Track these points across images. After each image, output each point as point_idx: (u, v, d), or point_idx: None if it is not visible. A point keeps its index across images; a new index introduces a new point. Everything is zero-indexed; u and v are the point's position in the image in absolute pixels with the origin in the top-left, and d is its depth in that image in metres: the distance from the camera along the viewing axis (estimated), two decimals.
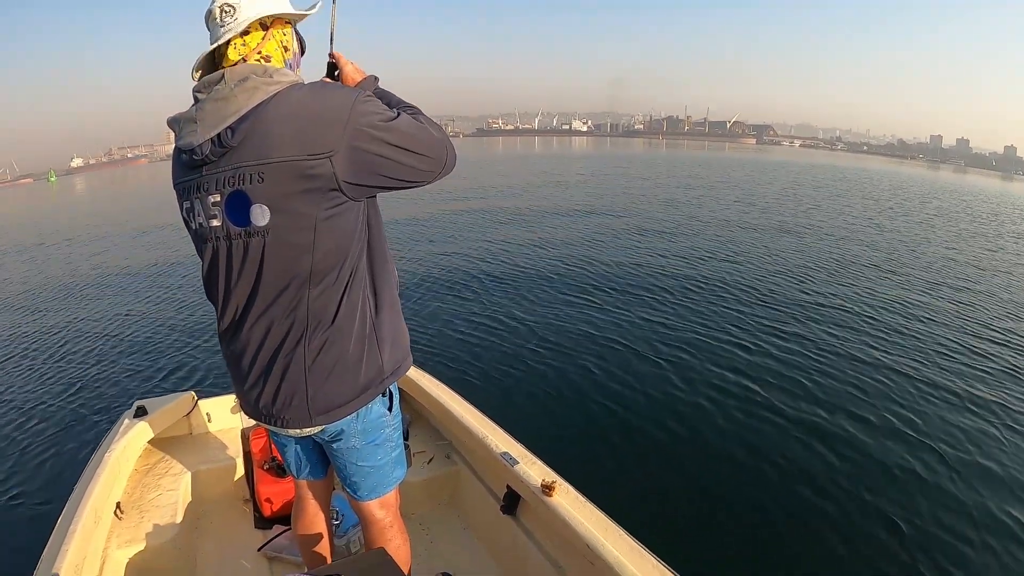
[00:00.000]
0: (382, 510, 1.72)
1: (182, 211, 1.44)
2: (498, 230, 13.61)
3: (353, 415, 1.50)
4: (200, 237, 1.40)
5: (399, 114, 1.36)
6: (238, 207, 1.30)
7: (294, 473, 1.79)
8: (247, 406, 1.54)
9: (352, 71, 1.59)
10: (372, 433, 1.58)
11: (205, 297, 1.54)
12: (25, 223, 26.91)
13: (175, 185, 1.44)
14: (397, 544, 1.75)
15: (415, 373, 2.91)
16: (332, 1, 1.56)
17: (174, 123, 1.36)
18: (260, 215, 1.29)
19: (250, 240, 1.32)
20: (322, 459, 1.76)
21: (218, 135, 1.27)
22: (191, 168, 1.35)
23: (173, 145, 1.41)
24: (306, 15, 1.46)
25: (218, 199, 1.32)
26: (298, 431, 1.51)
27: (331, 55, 1.61)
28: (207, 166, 1.32)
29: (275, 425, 1.51)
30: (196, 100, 1.33)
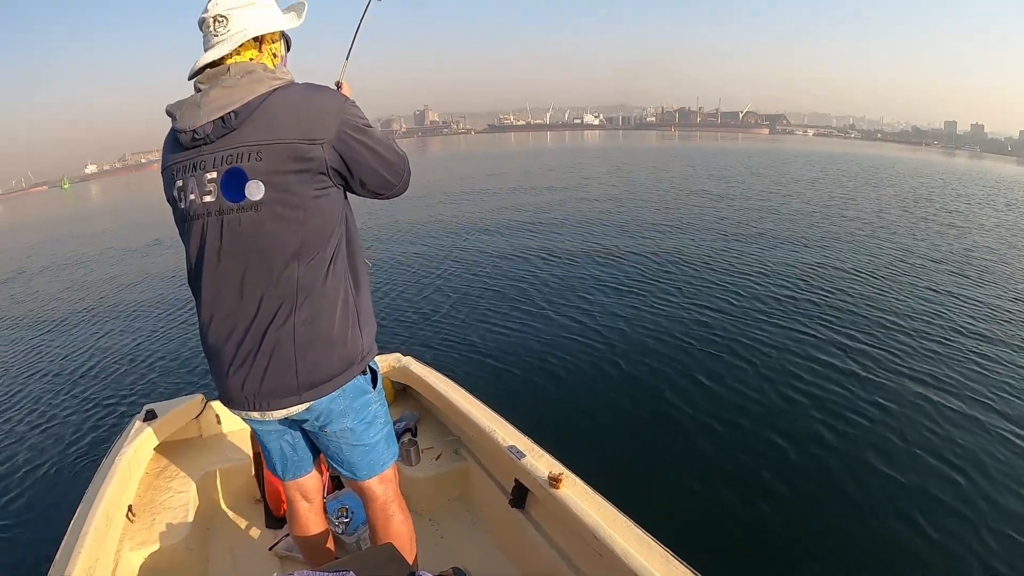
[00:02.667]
0: (382, 485, 1.75)
1: (171, 191, 1.48)
2: (506, 225, 13.56)
3: (339, 391, 1.53)
4: (190, 215, 1.45)
5: (373, 127, 1.52)
6: (234, 183, 1.38)
7: (280, 475, 1.79)
8: (231, 393, 1.52)
9: None
10: (362, 411, 1.62)
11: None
12: (35, 230, 27.24)
13: (166, 167, 1.49)
14: (400, 519, 1.79)
15: (422, 370, 2.92)
16: (350, 53, 1.80)
17: (175, 107, 1.43)
18: (256, 190, 1.37)
19: (244, 215, 1.39)
20: (308, 452, 1.77)
21: (222, 117, 1.36)
22: (187, 148, 1.42)
23: None
24: (296, 27, 1.57)
25: (214, 176, 1.39)
26: (284, 411, 1.52)
27: (339, 83, 1.71)
28: (207, 145, 1.39)
29: (260, 409, 1.51)
30: (198, 90, 1.42)
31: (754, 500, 3.63)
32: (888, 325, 6.56)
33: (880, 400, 4.78)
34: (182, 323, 7.93)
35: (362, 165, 1.46)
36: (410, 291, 8.30)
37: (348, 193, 1.55)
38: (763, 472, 3.89)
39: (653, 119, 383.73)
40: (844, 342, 6.00)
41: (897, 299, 7.60)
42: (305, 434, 1.70)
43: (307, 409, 1.52)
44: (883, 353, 5.74)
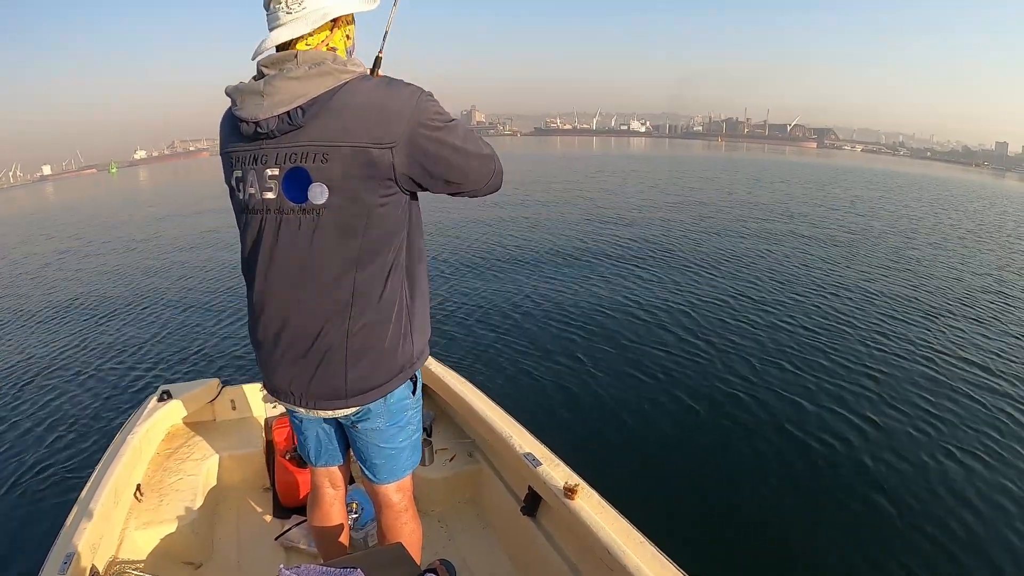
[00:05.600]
0: (399, 493, 1.75)
1: (230, 179, 1.45)
2: (543, 231, 13.53)
3: (383, 397, 1.52)
4: (249, 208, 1.42)
5: (455, 120, 1.40)
6: (297, 184, 1.33)
7: (312, 460, 1.79)
8: (277, 386, 1.54)
9: None
10: (397, 415, 1.61)
11: (239, 281, 1.57)
12: (84, 210, 28.09)
13: (225, 152, 1.45)
14: (411, 528, 1.79)
15: (441, 370, 2.89)
16: (393, 5, 1.57)
17: (235, 92, 1.37)
18: (319, 193, 1.32)
19: (304, 217, 1.34)
20: (342, 443, 1.76)
21: (287, 112, 1.29)
22: (249, 139, 1.36)
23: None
24: (371, 9, 1.47)
25: (276, 173, 1.34)
26: (330, 413, 1.53)
27: (379, 55, 1.60)
28: (270, 140, 1.33)
29: (306, 407, 1.52)
30: (262, 75, 1.34)
31: (774, 526, 3.55)
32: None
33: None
34: (203, 306, 8.15)
35: (441, 164, 1.37)
36: (438, 287, 8.29)
37: (427, 192, 1.47)
38: (785, 498, 3.80)
39: (700, 128, 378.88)
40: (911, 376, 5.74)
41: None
42: (340, 425, 1.68)
43: (353, 412, 1.53)
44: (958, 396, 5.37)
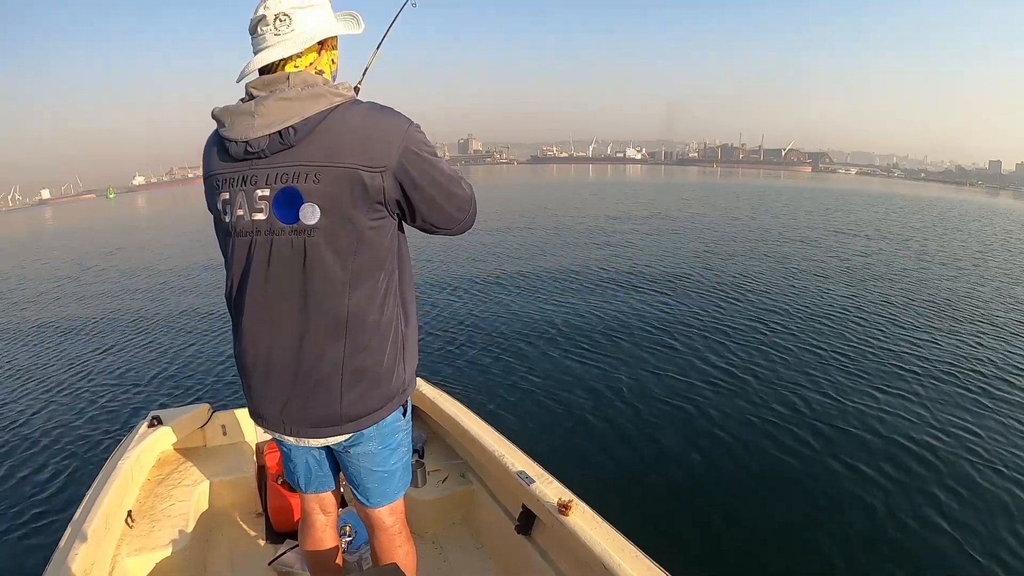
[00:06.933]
0: (391, 516, 1.73)
1: (215, 201, 1.43)
2: (526, 254, 13.71)
3: (376, 423, 1.51)
4: (236, 230, 1.39)
5: (440, 158, 1.43)
6: (287, 204, 1.32)
7: (301, 488, 1.76)
8: (265, 414, 1.50)
9: None
10: (389, 437, 1.59)
11: (225, 305, 1.54)
12: (80, 235, 28.20)
13: (210, 175, 1.43)
14: (406, 551, 1.77)
15: (431, 391, 2.90)
16: (377, 47, 1.68)
17: (224, 113, 1.36)
18: (310, 214, 1.31)
19: (295, 238, 1.33)
20: (332, 469, 1.74)
21: (279, 131, 1.29)
22: (237, 160, 1.35)
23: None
24: (357, 33, 1.50)
25: (267, 193, 1.33)
26: (323, 441, 1.51)
27: (357, 85, 1.67)
28: (260, 160, 1.33)
29: (296, 435, 1.50)
30: (251, 96, 1.34)
31: (767, 531, 3.58)
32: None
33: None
34: (190, 332, 8.18)
35: (422, 196, 1.40)
36: (426, 310, 8.40)
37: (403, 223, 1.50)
38: (776, 505, 3.83)
39: (695, 155, 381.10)
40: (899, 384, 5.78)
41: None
42: (330, 451, 1.66)
43: (346, 438, 1.52)
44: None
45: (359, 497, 1.69)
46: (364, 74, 1.75)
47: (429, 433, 2.98)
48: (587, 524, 1.90)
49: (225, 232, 1.44)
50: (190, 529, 2.39)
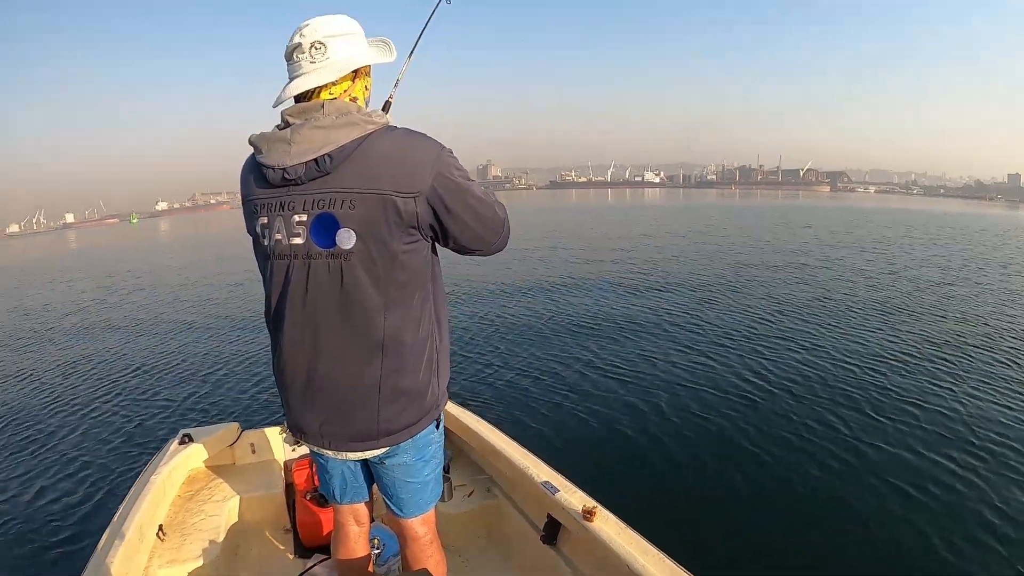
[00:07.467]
0: (424, 527, 1.75)
1: (254, 225, 1.46)
2: (549, 271, 13.85)
3: (411, 437, 1.55)
4: (275, 254, 1.43)
5: (473, 180, 1.47)
6: (324, 229, 1.35)
7: (337, 498, 1.79)
8: (306, 429, 1.54)
9: None
10: (423, 450, 1.62)
11: (256, 328, 1.62)
12: (105, 258, 28.76)
13: (249, 200, 1.47)
14: (436, 560, 1.79)
15: (457, 410, 2.94)
16: (408, 56, 1.70)
17: (260, 140, 1.39)
18: (347, 238, 1.34)
19: (332, 261, 1.36)
20: (367, 480, 1.77)
21: (315, 159, 1.32)
22: (275, 186, 1.39)
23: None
24: (390, 61, 1.54)
25: (304, 219, 1.36)
26: (360, 455, 1.55)
27: (389, 99, 1.74)
28: (297, 186, 1.36)
29: (335, 449, 1.54)
30: (287, 124, 1.37)
31: (790, 536, 3.57)
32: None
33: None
34: (221, 352, 8.27)
35: (455, 220, 1.42)
36: (453, 330, 8.34)
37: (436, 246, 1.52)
38: (799, 511, 3.84)
39: (714, 177, 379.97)
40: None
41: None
42: (364, 462, 1.69)
43: (383, 452, 1.55)
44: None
45: (393, 508, 1.71)
46: (396, 86, 1.78)
47: (454, 450, 3.00)
48: (611, 529, 1.92)
49: (264, 255, 1.47)
50: (220, 543, 2.42)
